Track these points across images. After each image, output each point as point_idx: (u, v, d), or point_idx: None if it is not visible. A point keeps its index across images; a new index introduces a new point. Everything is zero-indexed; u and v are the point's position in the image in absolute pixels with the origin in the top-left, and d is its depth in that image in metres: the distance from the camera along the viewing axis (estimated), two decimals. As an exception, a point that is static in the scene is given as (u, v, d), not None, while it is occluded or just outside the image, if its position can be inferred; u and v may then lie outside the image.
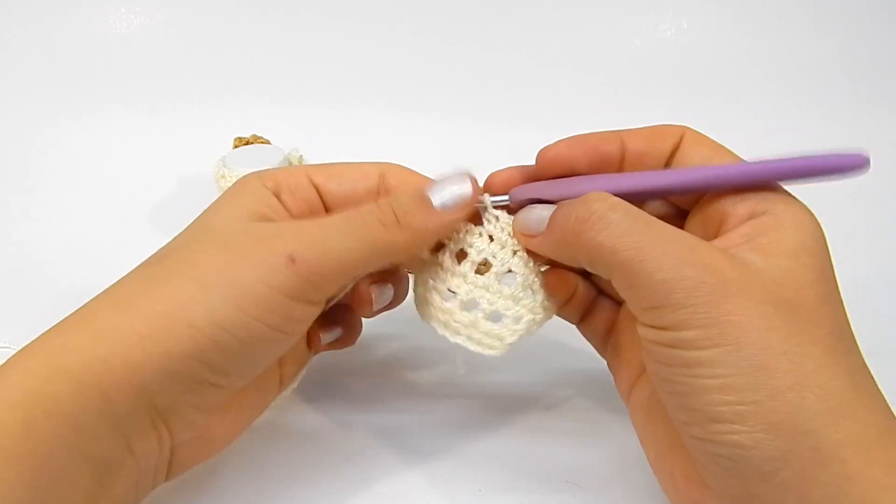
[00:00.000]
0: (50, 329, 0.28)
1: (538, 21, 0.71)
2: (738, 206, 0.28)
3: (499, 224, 0.32)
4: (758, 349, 0.24)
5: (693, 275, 0.25)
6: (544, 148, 0.31)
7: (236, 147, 0.56)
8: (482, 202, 0.32)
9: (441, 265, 0.32)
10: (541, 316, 0.32)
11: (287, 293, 0.28)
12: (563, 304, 0.34)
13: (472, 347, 0.32)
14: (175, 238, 0.31)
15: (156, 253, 0.31)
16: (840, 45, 0.70)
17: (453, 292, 0.31)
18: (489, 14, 0.71)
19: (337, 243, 0.29)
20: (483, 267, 0.32)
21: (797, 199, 0.28)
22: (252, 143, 0.56)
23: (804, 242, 0.26)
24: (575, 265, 0.29)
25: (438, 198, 0.30)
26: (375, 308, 0.34)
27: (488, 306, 0.31)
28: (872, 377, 0.26)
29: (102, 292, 0.29)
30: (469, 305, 0.31)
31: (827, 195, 0.60)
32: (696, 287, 0.25)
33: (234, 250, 0.28)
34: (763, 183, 0.28)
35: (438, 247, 0.32)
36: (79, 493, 0.25)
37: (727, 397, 0.24)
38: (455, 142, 0.64)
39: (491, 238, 0.32)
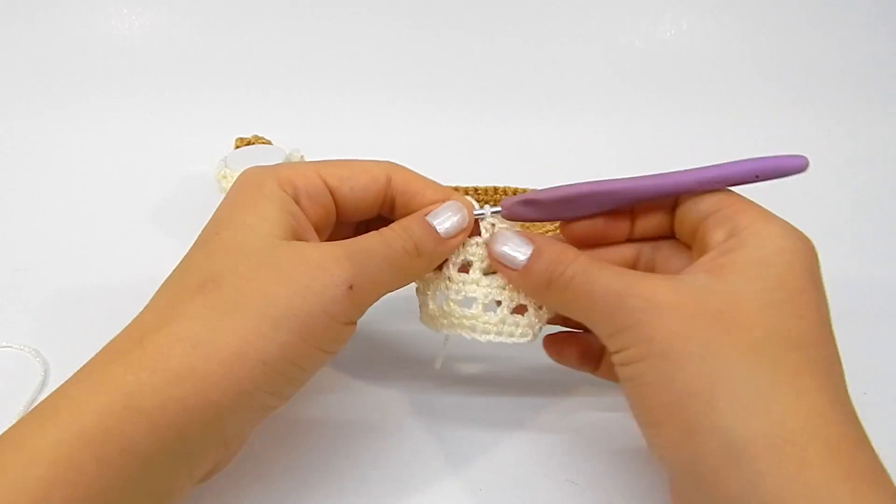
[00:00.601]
0: (111, 360, 0.27)
1: (538, 22, 0.71)
2: (716, 233, 0.30)
3: (494, 229, 0.34)
4: (676, 357, 0.26)
5: (629, 303, 0.28)
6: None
7: (238, 147, 0.56)
8: (482, 213, 0.34)
9: (449, 278, 0.34)
10: None
11: (342, 320, 0.30)
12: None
13: (506, 340, 0.34)
14: (208, 253, 0.30)
15: (195, 271, 0.30)
16: (839, 45, 0.70)
17: (471, 298, 0.34)
18: (490, 15, 0.71)
19: (379, 271, 0.31)
20: (490, 268, 0.34)
21: (774, 219, 0.29)
22: (253, 143, 0.56)
23: (762, 258, 0.28)
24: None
25: (441, 226, 0.33)
26: None
27: (510, 302, 0.34)
28: (814, 378, 0.26)
29: (158, 318, 0.28)
30: (491, 306, 0.34)
31: (828, 195, 0.60)
32: (631, 312, 0.28)
33: (292, 280, 0.29)
34: (718, 186, 0.31)
35: (439, 264, 0.34)
36: None
37: (653, 402, 0.27)
38: (456, 142, 0.64)
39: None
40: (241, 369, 0.27)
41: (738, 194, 0.31)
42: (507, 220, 0.35)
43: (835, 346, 0.28)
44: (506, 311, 0.34)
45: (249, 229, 0.30)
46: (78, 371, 0.27)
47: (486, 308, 0.34)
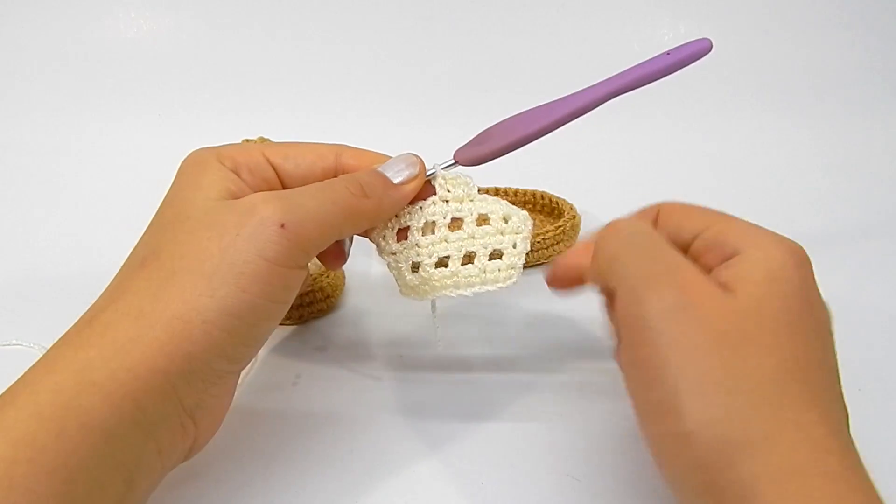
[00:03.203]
0: (64, 342, 0.28)
1: (538, 26, 0.71)
2: (710, 255, 0.29)
3: (447, 183, 0.35)
4: (700, 376, 0.25)
5: (661, 293, 0.26)
6: (553, 271, 0.34)
7: (243, 149, 0.57)
8: (433, 171, 0.34)
9: (417, 244, 0.34)
10: (527, 229, 0.35)
11: (281, 263, 0.29)
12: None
13: (492, 287, 0.35)
14: (152, 231, 0.31)
15: (140, 250, 0.30)
16: (836, 48, 0.71)
17: (445, 257, 0.34)
18: (490, 20, 0.71)
19: (317, 208, 0.30)
20: (455, 224, 0.35)
21: (766, 231, 0.29)
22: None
23: (767, 276, 0.27)
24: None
25: (393, 175, 0.33)
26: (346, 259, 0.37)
27: (484, 249, 0.34)
28: (816, 404, 0.25)
29: (107, 298, 0.29)
30: (468, 259, 0.34)
31: (824, 196, 0.61)
32: (659, 305, 0.26)
33: (224, 230, 0.28)
34: (642, 83, 0.33)
35: (401, 235, 0.35)
36: (110, 499, 0.26)
37: (669, 428, 0.25)
38: (456, 144, 0.65)
39: (446, 201, 0.34)
40: (182, 332, 0.27)
41: (720, 213, 0.30)
42: (464, 165, 0.35)
43: (834, 360, 0.27)
44: (484, 260, 0.34)
45: (189, 202, 0.30)
46: (37, 359, 0.28)
47: (464, 261, 0.34)
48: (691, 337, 0.25)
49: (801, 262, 0.28)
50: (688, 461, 0.25)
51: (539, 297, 0.41)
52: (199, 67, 0.70)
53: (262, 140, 0.58)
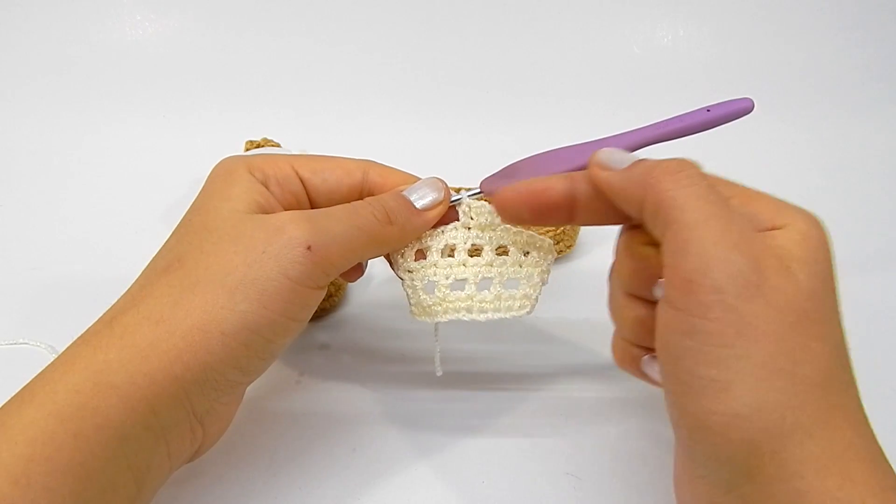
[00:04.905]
0: (83, 342, 0.28)
1: (537, 28, 0.72)
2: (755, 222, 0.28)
3: (472, 211, 0.34)
4: (764, 360, 0.24)
5: (738, 262, 0.25)
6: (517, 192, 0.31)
7: (248, 150, 0.57)
8: (459, 197, 0.34)
9: (436, 265, 0.34)
10: (547, 262, 0.35)
11: (304, 283, 0.29)
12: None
13: (506, 315, 0.34)
14: (178, 237, 0.31)
15: (165, 254, 0.31)
16: (836, 49, 0.71)
17: (461, 280, 0.34)
18: (491, 22, 0.71)
19: (343, 232, 0.30)
20: (474, 250, 0.35)
21: (795, 208, 0.28)
22: (263, 146, 0.57)
23: (816, 255, 0.26)
24: (625, 209, 0.29)
25: (418, 200, 0.33)
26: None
27: (501, 278, 0.34)
28: (854, 388, 0.26)
29: (128, 301, 0.29)
30: (484, 285, 0.34)
31: (828, 197, 0.61)
32: (736, 276, 0.24)
33: (251, 246, 0.29)
34: (676, 136, 0.32)
35: (418, 256, 0.35)
36: (122, 499, 0.27)
37: (720, 407, 0.24)
38: (458, 145, 0.65)
39: (468, 228, 0.34)
40: (201, 342, 0.27)
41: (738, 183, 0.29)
42: (489, 196, 0.34)
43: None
44: (499, 288, 0.34)
45: (217, 211, 0.31)
46: (55, 358, 0.28)
47: (480, 287, 0.34)
48: (762, 319, 0.24)
49: (826, 237, 0.27)
50: (733, 442, 0.24)
51: (541, 307, 0.41)
52: (204, 69, 0.70)
53: (266, 141, 0.58)
